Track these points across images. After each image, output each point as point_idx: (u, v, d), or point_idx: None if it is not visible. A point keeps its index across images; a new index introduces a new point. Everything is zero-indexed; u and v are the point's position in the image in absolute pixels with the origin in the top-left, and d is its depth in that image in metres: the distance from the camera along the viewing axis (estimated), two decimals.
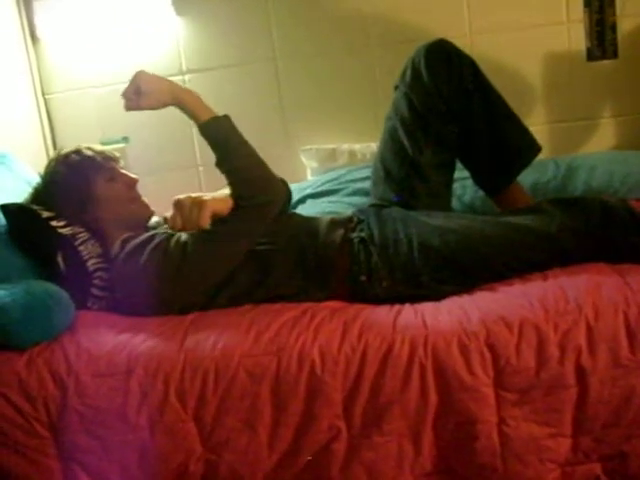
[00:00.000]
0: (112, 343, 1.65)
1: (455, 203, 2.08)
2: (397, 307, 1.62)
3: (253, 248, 1.79)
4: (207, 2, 2.57)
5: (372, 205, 1.94)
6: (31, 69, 2.65)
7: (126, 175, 1.99)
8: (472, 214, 1.98)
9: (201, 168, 2.69)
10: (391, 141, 1.95)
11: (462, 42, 2.00)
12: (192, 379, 1.55)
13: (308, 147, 2.59)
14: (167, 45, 2.63)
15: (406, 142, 1.92)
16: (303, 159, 2.59)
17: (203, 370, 1.55)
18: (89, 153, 1.97)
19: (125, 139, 2.65)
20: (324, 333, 1.56)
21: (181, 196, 1.80)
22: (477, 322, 1.50)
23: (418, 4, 2.55)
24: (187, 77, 2.63)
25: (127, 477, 1.59)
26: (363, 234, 1.80)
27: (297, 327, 1.60)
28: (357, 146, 2.52)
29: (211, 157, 2.58)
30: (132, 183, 1.98)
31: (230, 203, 1.81)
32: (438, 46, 1.91)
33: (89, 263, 1.86)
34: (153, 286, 1.75)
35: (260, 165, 1.81)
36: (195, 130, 2.54)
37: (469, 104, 1.90)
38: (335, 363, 1.51)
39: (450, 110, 1.90)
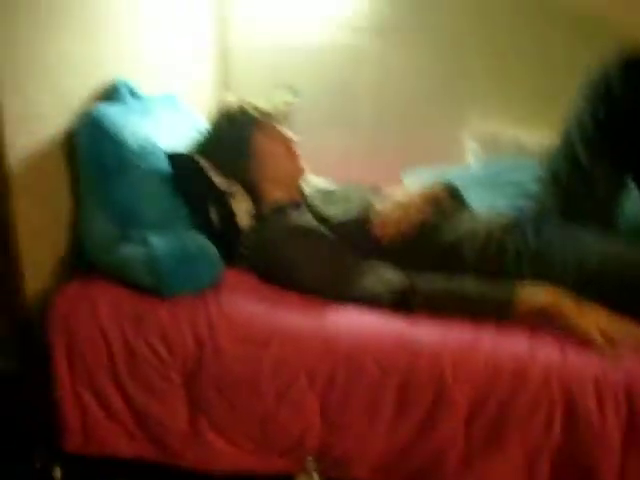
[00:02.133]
0: (253, 310, 1.71)
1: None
2: (540, 329, 1.58)
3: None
4: None
5: (533, 210, 1.87)
6: (216, 15, 2.68)
7: (285, 134, 2.03)
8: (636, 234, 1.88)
9: (365, 126, 2.66)
10: (565, 145, 1.86)
11: None
12: (324, 360, 1.60)
13: (474, 129, 2.49)
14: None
15: (581, 150, 1.82)
16: (467, 141, 2.50)
17: (336, 356, 1.59)
18: (251, 110, 2.02)
19: (295, 92, 2.62)
20: (460, 339, 1.56)
21: (397, 198, 1.90)
22: (621, 369, 1.45)
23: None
24: (366, 35, 2.56)
25: (247, 437, 1.68)
26: (519, 242, 1.77)
27: (433, 326, 1.60)
28: (524, 136, 2.40)
29: (375, 118, 2.64)
30: (290, 142, 2.02)
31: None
32: (636, 60, 1.77)
33: (240, 221, 1.92)
34: (286, 274, 1.80)
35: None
36: (365, 88, 2.60)
37: None
38: (467, 375, 1.51)
39: (635, 127, 1.78)
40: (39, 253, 1.83)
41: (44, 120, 1.83)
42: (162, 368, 1.69)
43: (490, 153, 2.42)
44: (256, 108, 2.03)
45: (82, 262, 1.89)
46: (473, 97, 2.53)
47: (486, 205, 2.09)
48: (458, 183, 2.18)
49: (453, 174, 2.26)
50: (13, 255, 1.77)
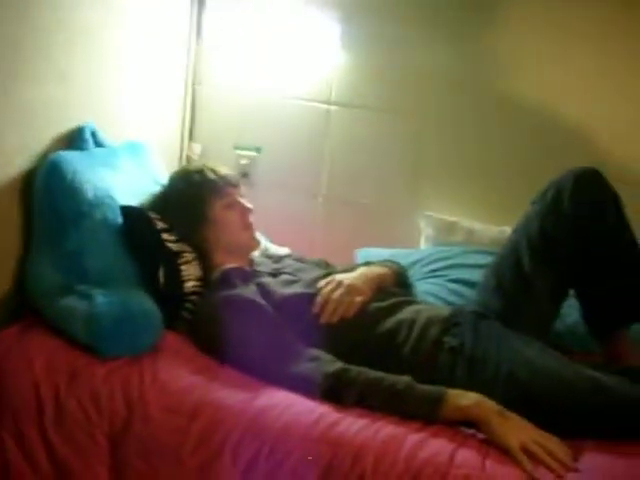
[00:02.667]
0: (186, 381, 1.72)
1: (557, 322, 2.00)
2: (462, 435, 1.59)
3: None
4: (374, 41, 2.52)
5: (473, 312, 1.90)
6: (188, 64, 2.69)
7: (242, 204, 2.05)
8: (568, 352, 1.88)
9: (322, 198, 2.69)
10: (511, 254, 1.90)
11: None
12: (249, 443, 1.59)
13: (429, 213, 2.54)
14: (321, 72, 2.60)
15: (526, 261, 1.86)
16: (421, 224, 2.55)
17: (262, 438, 1.59)
18: (211, 176, 2.04)
19: (258, 149, 2.69)
20: (384, 439, 1.55)
21: (341, 278, 1.91)
22: None
23: (583, 103, 2.40)
24: (332, 108, 2.61)
25: None
26: (455, 343, 1.79)
27: (360, 422, 1.60)
28: (478, 225, 2.45)
29: (333, 191, 2.69)
30: (246, 213, 2.05)
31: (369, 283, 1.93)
32: (588, 178, 1.83)
33: (186, 285, 1.94)
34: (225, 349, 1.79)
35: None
36: (326, 159, 2.66)
37: (603, 243, 1.83)
38: (386, 476, 1.50)
39: (581, 244, 1.83)
40: None
41: (4, 160, 1.83)
42: (89, 427, 1.69)
43: (443, 240, 2.46)
44: (216, 172, 2.04)
45: (26, 306, 1.89)
46: (432, 186, 2.58)
47: (431, 291, 2.16)
48: (406, 265, 2.23)
49: (404, 256, 2.32)
50: None
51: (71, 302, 1.79)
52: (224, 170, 2.08)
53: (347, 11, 2.54)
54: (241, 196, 2.06)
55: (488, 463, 1.51)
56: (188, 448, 1.62)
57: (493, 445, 1.57)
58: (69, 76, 2.00)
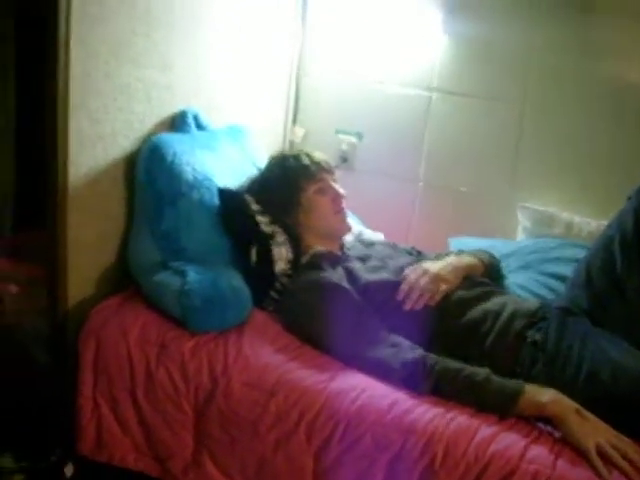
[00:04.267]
0: (268, 358, 1.78)
1: None
2: (538, 431, 1.58)
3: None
4: (476, 28, 2.49)
5: (560, 307, 1.86)
6: (292, 50, 2.74)
7: (334, 189, 2.08)
8: None
9: (421, 184, 2.69)
10: (604, 250, 1.84)
11: None
12: (324, 423, 1.64)
13: (527, 205, 2.49)
14: (423, 58, 2.60)
15: (619, 258, 1.80)
16: (518, 215, 2.50)
17: (336, 419, 1.63)
18: (306, 161, 2.08)
19: (359, 135, 2.72)
20: (457, 429, 1.57)
21: (427, 266, 1.92)
22: None
23: None
24: (434, 95, 2.61)
25: (243, 475, 1.73)
26: (538, 337, 1.76)
27: (433, 410, 1.61)
28: (577, 218, 2.40)
29: (431, 178, 2.70)
30: (338, 198, 2.07)
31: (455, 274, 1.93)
32: None
33: (277, 266, 1.99)
34: (307, 328, 1.85)
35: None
36: (426, 146, 2.66)
37: None
38: (455, 465, 1.52)
39: None
40: (85, 266, 1.94)
41: (109, 141, 1.93)
42: (176, 397, 1.78)
43: (541, 232, 2.41)
44: (310, 158, 2.08)
45: (129, 280, 2.00)
46: (531, 176, 2.54)
47: (522, 283, 2.12)
48: (503, 257, 2.20)
49: (501, 247, 2.29)
50: (61, 265, 1.88)
51: (165, 277, 1.88)
52: (319, 156, 2.11)
53: None
54: (334, 181, 2.09)
55: (560, 462, 1.50)
56: (266, 423, 1.69)
57: (568, 444, 1.55)
58: (169, 62, 2.07)
